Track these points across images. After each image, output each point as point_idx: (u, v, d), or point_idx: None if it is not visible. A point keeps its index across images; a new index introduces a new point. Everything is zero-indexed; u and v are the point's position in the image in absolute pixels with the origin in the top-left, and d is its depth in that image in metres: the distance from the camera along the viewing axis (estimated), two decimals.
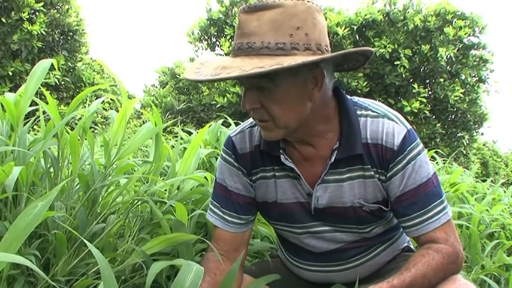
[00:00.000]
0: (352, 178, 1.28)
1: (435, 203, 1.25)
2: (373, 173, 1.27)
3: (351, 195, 1.30)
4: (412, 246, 1.55)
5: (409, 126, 1.27)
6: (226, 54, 13.28)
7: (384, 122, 1.25)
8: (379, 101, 12.37)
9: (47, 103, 1.63)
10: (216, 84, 12.33)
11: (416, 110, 11.78)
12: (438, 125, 12.46)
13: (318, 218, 1.35)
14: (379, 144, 1.25)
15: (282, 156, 1.31)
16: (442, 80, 12.61)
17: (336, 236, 1.38)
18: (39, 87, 1.55)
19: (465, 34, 12.17)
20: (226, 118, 3.28)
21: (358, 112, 1.28)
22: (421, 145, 1.27)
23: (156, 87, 17.19)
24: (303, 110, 1.20)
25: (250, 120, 1.41)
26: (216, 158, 2.46)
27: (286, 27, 1.10)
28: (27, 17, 11.34)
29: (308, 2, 1.15)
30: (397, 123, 1.25)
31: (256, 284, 1.40)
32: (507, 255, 2.51)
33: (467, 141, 13.56)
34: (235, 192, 1.41)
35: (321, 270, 1.44)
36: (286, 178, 1.35)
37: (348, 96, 1.31)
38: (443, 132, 12.85)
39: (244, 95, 1.20)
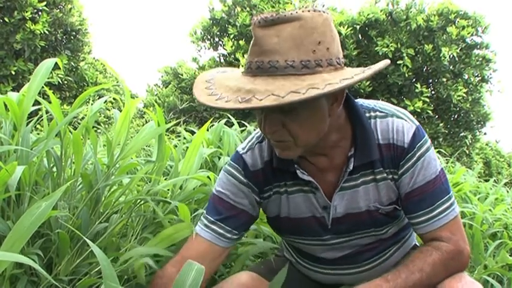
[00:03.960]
0: (366, 182, 1.28)
1: (443, 200, 1.25)
2: (385, 174, 1.27)
3: (366, 199, 1.29)
4: (418, 244, 1.55)
5: (417, 123, 1.27)
6: (229, 54, 13.28)
7: (393, 121, 1.25)
8: (382, 100, 12.41)
9: (50, 102, 1.63)
10: None
11: (419, 110, 11.76)
12: (441, 124, 12.45)
13: (334, 230, 1.34)
14: (390, 143, 1.24)
15: (298, 171, 1.28)
16: (444, 79, 12.59)
17: (353, 243, 1.37)
18: (42, 87, 1.55)
19: (468, 34, 12.15)
20: (229, 118, 3.28)
21: (367, 114, 1.27)
22: (429, 141, 1.27)
23: (159, 86, 17.19)
24: (324, 127, 1.17)
25: (256, 134, 1.39)
26: (219, 158, 2.46)
27: (308, 43, 1.05)
28: (30, 16, 11.35)
29: (324, 12, 1.09)
30: (406, 120, 1.25)
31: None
32: (510, 255, 2.50)
33: (470, 141, 13.53)
34: (240, 208, 1.37)
35: (334, 273, 1.43)
36: (300, 193, 1.33)
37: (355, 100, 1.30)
38: (446, 131, 12.83)
39: (263, 119, 1.14)
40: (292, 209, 1.35)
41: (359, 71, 1.09)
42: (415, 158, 1.23)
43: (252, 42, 1.10)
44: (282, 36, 1.05)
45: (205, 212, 1.41)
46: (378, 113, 1.27)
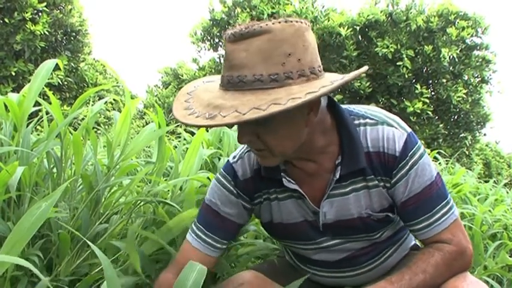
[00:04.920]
0: (357, 190, 1.26)
1: (440, 205, 1.24)
2: (377, 182, 1.25)
3: (358, 206, 1.28)
4: (418, 244, 1.54)
5: (409, 130, 1.25)
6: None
7: (383, 129, 1.23)
8: (381, 101, 12.39)
9: (50, 103, 1.63)
10: None
11: (419, 111, 11.78)
12: (441, 125, 12.46)
13: (327, 233, 1.33)
14: (380, 152, 1.22)
15: (284, 179, 1.28)
16: (444, 80, 12.61)
17: (346, 246, 1.36)
18: (43, 88, 1.55)
19: (468, 34, 12.17)
20: None
21: (356, 122, 1.25)
22: (422, 147, 1.25)
23: (159, 87, 17.23)
24: (300, 137, 1.17)
25: None
26: (219, 159, 2.46)
27: (277, 56, 1.04)
28: (30, 17, 11.37)
29: (296, 22, 1.08)
30: (396, 128, 1.23)
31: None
32: (510, 256, 2.50)
33: (470, 142, 13.54)
34: (228, 218, 1.38)
35: (332, 276, 1.43)
36: (290, 198, 1.32)
37: (343, 106, 1.28)
38: (446, 132, 12.85)
39: (239, 127, 1.15)
40: (285, 215, 1.35)
41: (328, 82, 1.07)
42: (408, 167, 1.21)
43: (224, 57, 1.12)
44: (251, 51, 1.05)
45: (196, 219, 1.42)
46: (367, 120, 1.25)
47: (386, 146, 1.22)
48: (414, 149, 1.22)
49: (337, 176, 1.24)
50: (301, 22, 1.09)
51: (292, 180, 1.28)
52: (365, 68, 1.15)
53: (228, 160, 1.41)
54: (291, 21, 1.07)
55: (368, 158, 1.23)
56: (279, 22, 1.06)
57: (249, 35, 1.05)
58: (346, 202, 1.28)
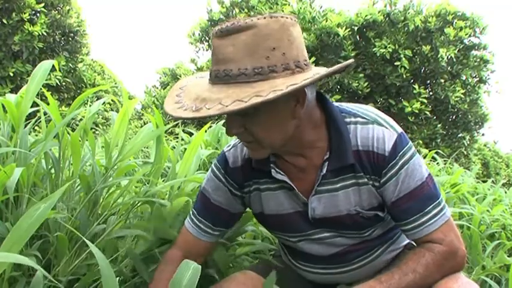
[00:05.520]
0: (346, 186, 1.27)
1: (431, 206, 1.24)
2: (366, 179, 1.26)
3: (347, 203, 1.28)
4: (413, 242, 1.55)
5: (400, 130, 1.25)
6: None
7: (373, 128, 1.23)
8: (379, 101, 12.38)
9: (48, 104, 1.63)
10: None
11: (417, 111, 11.78)
12: (439, 125, 12.46)
13: (317, 225, 1.34)
14: (370, 151, 1.23)
15: (273, 170, 1.30)
16: (442, 80, 12.61)
17: (337, 240, 1.37)
18: (41, 88, 1.55)
19: (466, 35, 12.18)
20: None
21: (347, 119, 1.26)
22: (413, 148, 1.26)
23: (157, 88, 17.20)
24: (287, 129, 1.18)
25: None
26: None
27: (262, 50, 1.07)
28: (28, 18, 11.37)
29: (282, 17, 1.10)
30: (387, 128, 1.24)
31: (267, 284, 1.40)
32: (508, 256, 2.50)
33: (468, 142, 13.55)
34: (218, 206, 1.43)
35: (324, 272, 1.44)
36: (281, 189, 1.34)
37: (335, 103, 1.29)
38: (444, 132, 12.84)
39: (227, 120, 1.18)
40: (276, 206, 1.36)
41: (312, 75, 1.09)
42: (397, 167, 1.22)
43: (211, 52, 1.15)
44: (236, 45, 1.08)
45: (193, 205, 1.50)
46: (359, 118, 1.26)
47: (376, 146, 1.23)
48: (404, 149, 1.23)
49: (324, 172, 1.25)
50: (287, 17, 1.12)
51: (281, 172, 1.30)
52: (351, 60, 1.17)
53: (223, 149, 1.46)
54: (276, 17, 1.10)
55: (357, 156, 1.24)
56: (264, 18, 1.09)
57: (234, 31, 1.08)
58: (334, 199, 1.29)
